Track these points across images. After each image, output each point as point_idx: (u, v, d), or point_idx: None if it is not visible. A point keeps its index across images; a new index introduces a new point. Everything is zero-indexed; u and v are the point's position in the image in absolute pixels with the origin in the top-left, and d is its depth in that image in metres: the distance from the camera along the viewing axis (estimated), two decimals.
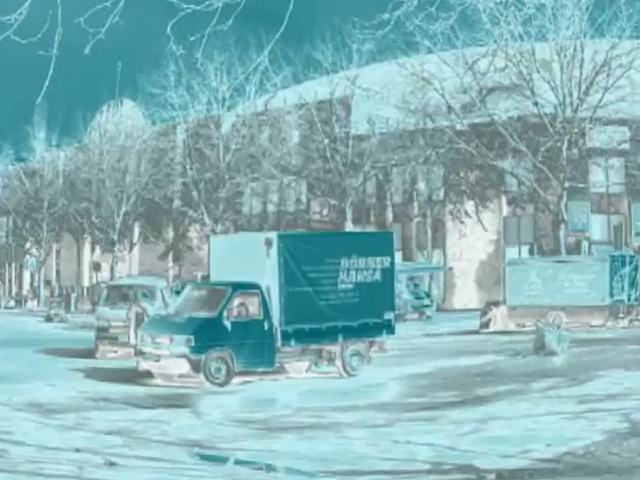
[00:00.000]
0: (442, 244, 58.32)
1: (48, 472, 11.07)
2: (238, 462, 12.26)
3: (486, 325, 37.67)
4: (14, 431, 14.25)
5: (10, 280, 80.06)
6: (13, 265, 79.68)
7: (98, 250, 68.54)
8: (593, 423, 14.15)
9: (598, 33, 45.82)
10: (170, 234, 67.53)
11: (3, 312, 59.75)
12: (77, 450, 12.59)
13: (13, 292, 77.47)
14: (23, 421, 15.47)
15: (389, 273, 24.39)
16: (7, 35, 7.21)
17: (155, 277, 39.75)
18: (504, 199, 56.16)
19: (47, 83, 8.06)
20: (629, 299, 37.39)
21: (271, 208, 64.20)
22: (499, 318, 37.76)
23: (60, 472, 11.08)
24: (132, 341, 24.99)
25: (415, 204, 58.61)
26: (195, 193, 58.38)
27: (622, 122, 49.93)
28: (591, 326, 34.97)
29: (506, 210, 56.56)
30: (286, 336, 22.24)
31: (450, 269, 56.99)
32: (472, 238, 56.56)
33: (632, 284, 37.54)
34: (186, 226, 65.21)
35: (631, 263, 38.10)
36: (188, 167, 59.30)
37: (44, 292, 69.19)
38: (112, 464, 11.66)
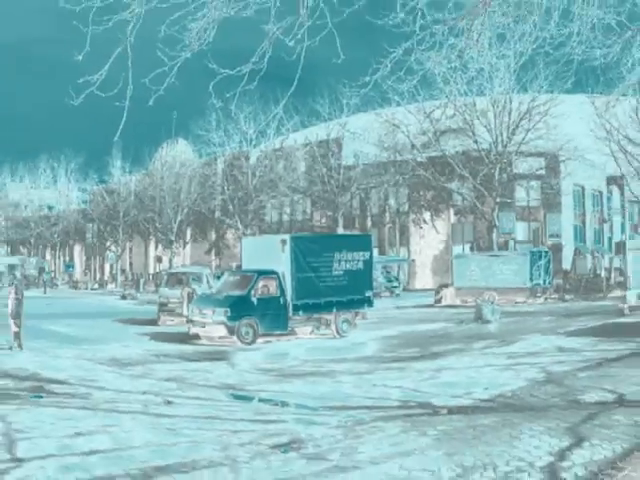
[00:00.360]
0: (407, 243, 58.16)
1: (122, 409, 10.98)
2: (261, 400, 12.09)
3: (439, 301, 37.56)
4: (98, 379, 14.16)
5: (95, 269, 79.98)
6: (97, 258, 79.64)
7: (160, 247, 68.41)
8: (518, 373, 14.01)
9: (523, 89, 46.03)
10: (213, 236, 67.40)
11: (90, 293, 59.65)
12: (143, 393, 12.48)
13: (97, 278, 77.35)
14: (104, 372, 15.36)
15: (368, 263, 24.35)
16: (92, 90, 7.08)
17: (202, 267, 39.51)
18: (452, 211, 56.13)
19: (121, 126, 7.95)
20: (544, 283, 37.44)
21: (285, 218, 64.16)
22: (448, 296, 37.63)
23: (130, 409, 10.98)
24: (185, 313, 24.88)
25: (387, 214, 58.64)
26: (231, 207, 58.08)
27: (539, 154, 50.13)
28: (516, 302, 34.86)
29: (453, 219, 56.52)
30: (296, 308, 22.28)
31: (413, 261, 56.99)
32: (429, 239, 56.60)
33: (546, 272, 37.62)
34: (224, 230, 65.01)
35: (545, 257, 38.14)
36: (225, 188, 59.08)
37: (120, 278, 68.98)
38: (169, 402, 11.55)
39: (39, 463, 7.63)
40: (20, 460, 7.75)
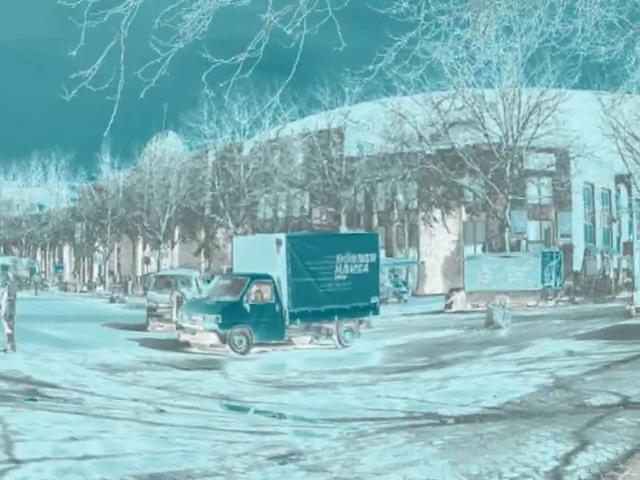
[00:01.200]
0: (416, 243, 58.01)
1: (114, 415, 11.31)
2: (257, 411, 12.38)
3: (449, 306, 37.82)
4: (89, 384, 14.50)
5: (83, 271, 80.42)
6: (86, 259, 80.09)
7: (148, 248, 68.65)
8: (527, 379, 14.34)
9: (531, 83, 47.04)
10: (202, 235, 67.45)
11: (79, 295, 60.13)
12: (135, 400, 12.80)
13: (86, 280, 77.68)
14: (95, 377, 15.70)
15: (375, 266, 24.18)
16: (84, 85, 7.39)
17: (191, 269, 39.80)
18: (463, 208, 56.23)
19: (112, 120, 8.23)
20: (555, 285, 38.02)
21: (281, 214, 63.74)
22: (459, 301, 37.93)
23: (123, 416, 11.30)
24: (174, 318, 25.08)
25: (395, 212, 58.43)
26: (221, 203, 58.18)
27: (550, 150, 50.74)
28: (527, 306, 35.25)
29: (465, 217, 56.65)
30: (293, 316, 22.21)
31: (422, 263, 56.83)
32: (439, 239, 56.54)
33: (557, 273, 38.16)
34: (214, 229, 65.08)
35: (557, 258, 38.73)
36: (216, 183, 59.20)
37: (108, 280, 69.30)
38: (161, 411, 11.85)
39: (36, 465, 8.03)
40: (18, 461, 8.17)
